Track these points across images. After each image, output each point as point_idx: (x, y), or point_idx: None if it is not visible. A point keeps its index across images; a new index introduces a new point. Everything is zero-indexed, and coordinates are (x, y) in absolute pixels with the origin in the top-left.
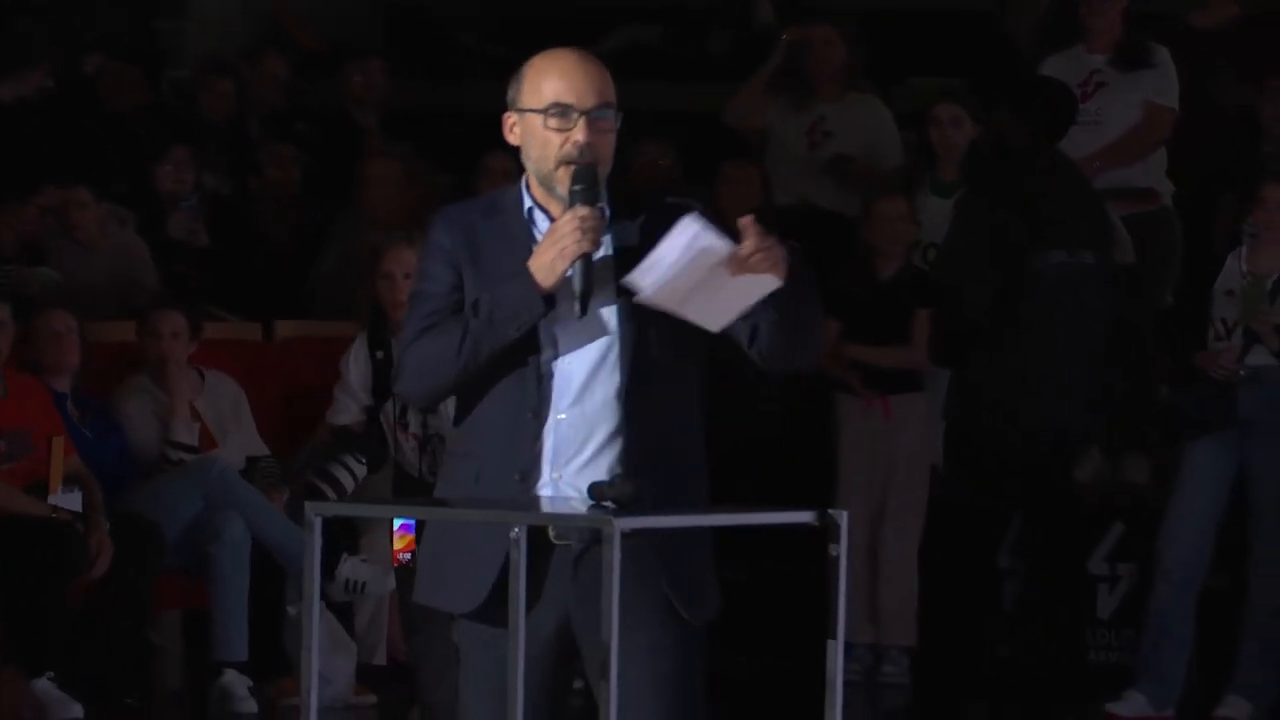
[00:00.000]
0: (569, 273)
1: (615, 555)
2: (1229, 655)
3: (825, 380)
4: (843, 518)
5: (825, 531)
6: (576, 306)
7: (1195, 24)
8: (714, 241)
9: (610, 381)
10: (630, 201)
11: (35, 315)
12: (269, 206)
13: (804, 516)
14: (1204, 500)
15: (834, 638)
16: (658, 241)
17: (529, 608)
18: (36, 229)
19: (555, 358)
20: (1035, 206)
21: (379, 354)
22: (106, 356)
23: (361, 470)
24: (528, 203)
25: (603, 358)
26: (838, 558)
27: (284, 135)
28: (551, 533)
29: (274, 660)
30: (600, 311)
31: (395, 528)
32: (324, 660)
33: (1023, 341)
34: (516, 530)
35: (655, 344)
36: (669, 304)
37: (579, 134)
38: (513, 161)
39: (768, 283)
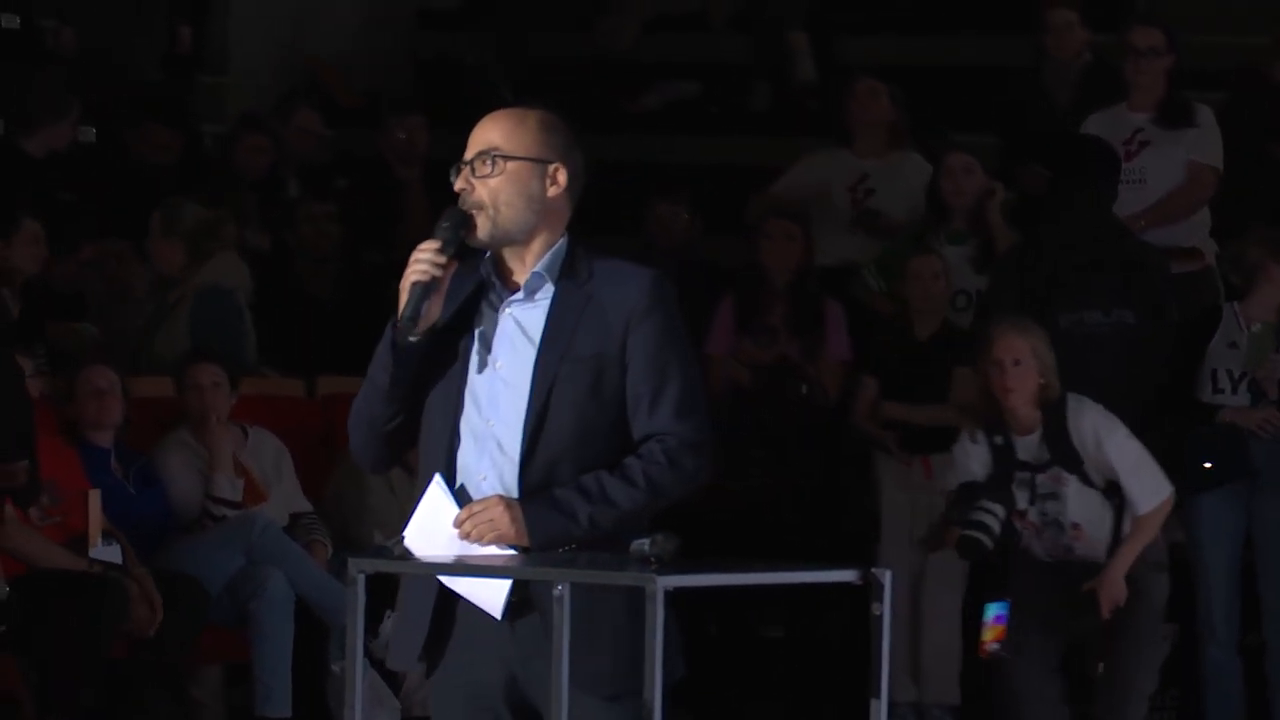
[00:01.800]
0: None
1: (659, 614)
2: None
3: (865, 439)
4: (886, 576)
5: (868, 590)
6: (404, 331)
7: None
8: (449, 506)
9: (513, 440)
10: (586, 261)
11: (77, 372)
12: (309, 262)
13: (847, 575)
14: (1225, 554)
15: (877, 696)
16: (601, 301)
17: (466, 658)
18: (77, 283)
19: (469, 408)
20: (1069, 265)
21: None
22: (148, 411)
23: (1001, 510)
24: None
25: (514, 416)
26: (881, 616)
27: (323, 190)
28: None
29: (317, 717)
30: (515, 369)
31: (988, 618)
32: (367, 717)
33: None
34: (560, 588)
35: (566, 406)
36: (423, 551)
37: (458, 182)
38: None
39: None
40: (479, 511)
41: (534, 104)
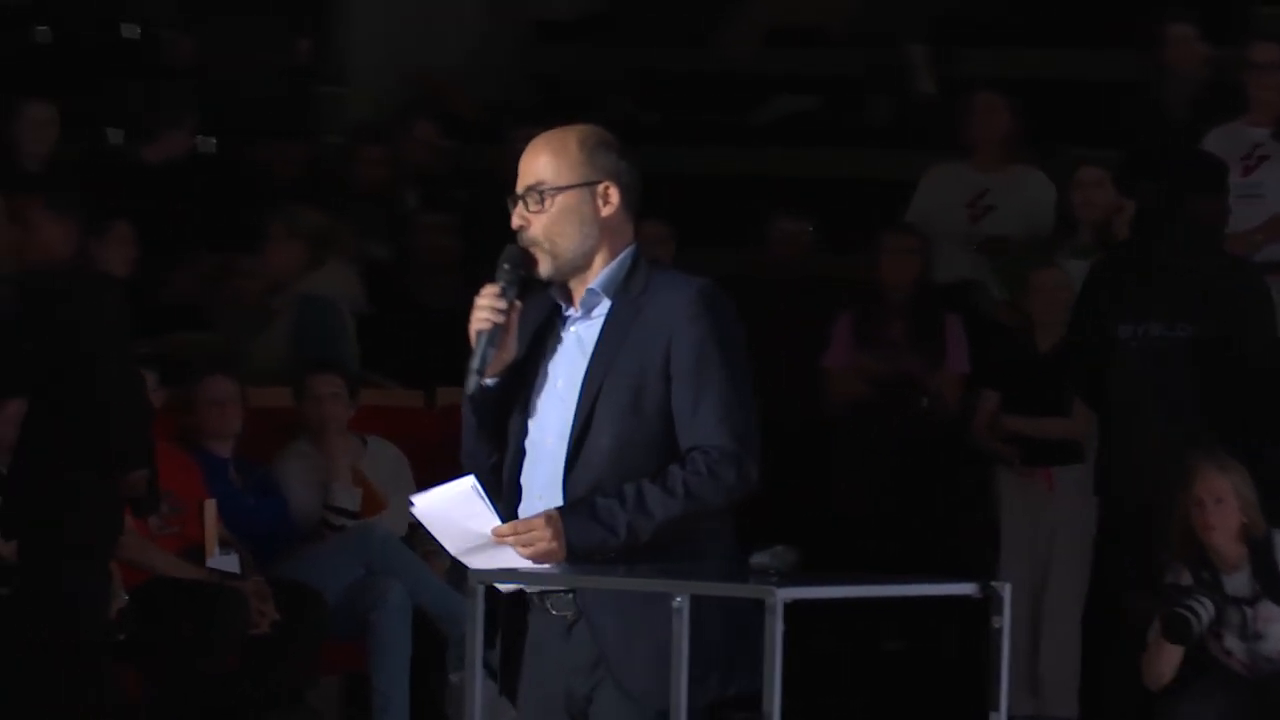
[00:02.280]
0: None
1: (778, 626)
2: None
3: (986, 452)
4: (1005, 589)
5: (988, 603)
6: (472, 380)
7: None
8: (483, 509)
9: (561, 453)
10: (645, 274)
11: (197, 382)
12: (427, 273)
13: (967, 588)
14: None
15: (996, 709)
16: (648, 314)
17: (523, 670)
18: (194, 293)
19: (531, 427)
20: (1137, 278)
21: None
22: (267, 422)
23: (1212, 607)
24: None
25: (563, 430)
26: (1000, 629)
27: (441, 202)
28: (549, 604)
29: None
30: (569, 385)
31: None
32: None
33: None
34: (679, 599)
35: (608, 420)
36: (430, 526)
37: (514, 218)
38: (667, 228)
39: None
40: (523, 532)
41: (651, 118)
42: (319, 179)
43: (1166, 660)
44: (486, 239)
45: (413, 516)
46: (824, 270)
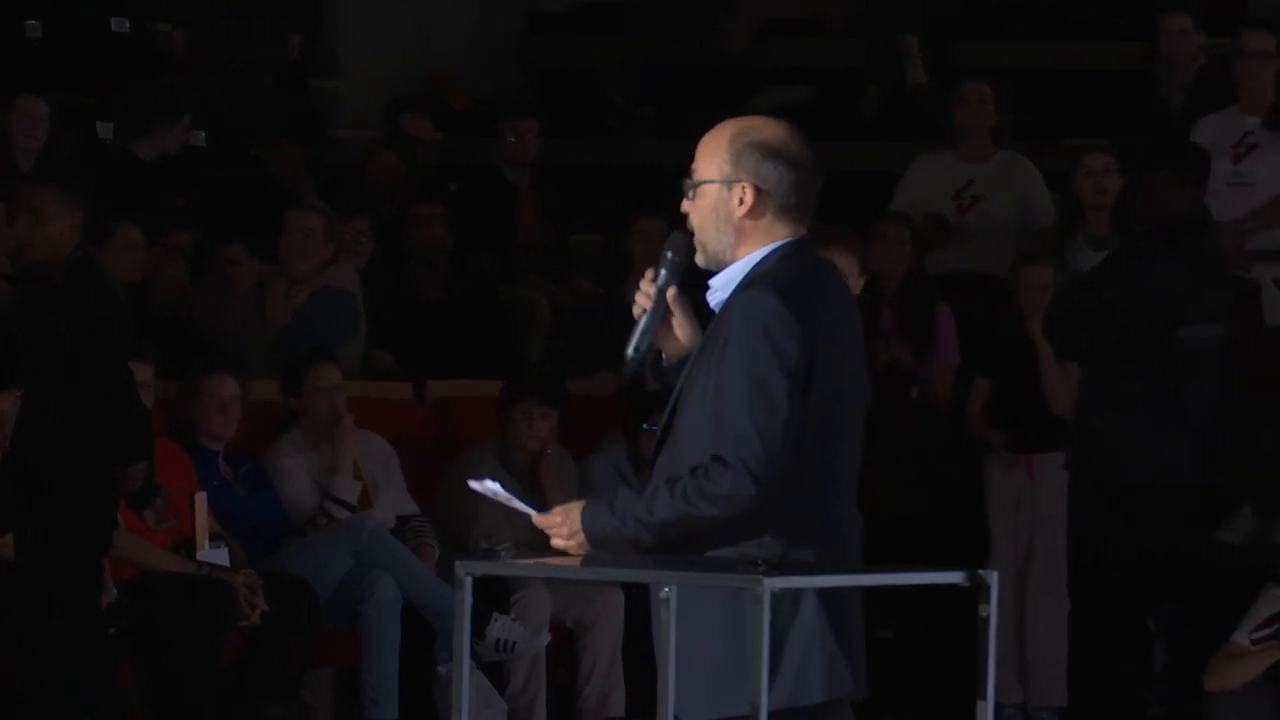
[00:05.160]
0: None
1: (765, 616)
2: None
3: (975, 440)
4: (993, 578)
5: (975, 592)
6: (629, 365)
7: None
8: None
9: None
10: (766, 276)
11: (201, 379)
12: (418, 265)
13: (954, 577)
14: None
15: (983, 698)
16: (720, 320)
17: None
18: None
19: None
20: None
21: None
22: (257, 415)
23: None
24: None
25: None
26: (988, 618)
27: (434, 194)
28: None
29: (425, 719)
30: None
31: None
32: (474, 719)
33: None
34: (666, 589)
35: (682, 419)
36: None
37: (684, 204)
38: (664, 224)
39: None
40: (549, 522)
41: (648, 110)
42: (316, 174)
43: (1252, 668)
44: (477, 230)
45: (407, 509)
46: None
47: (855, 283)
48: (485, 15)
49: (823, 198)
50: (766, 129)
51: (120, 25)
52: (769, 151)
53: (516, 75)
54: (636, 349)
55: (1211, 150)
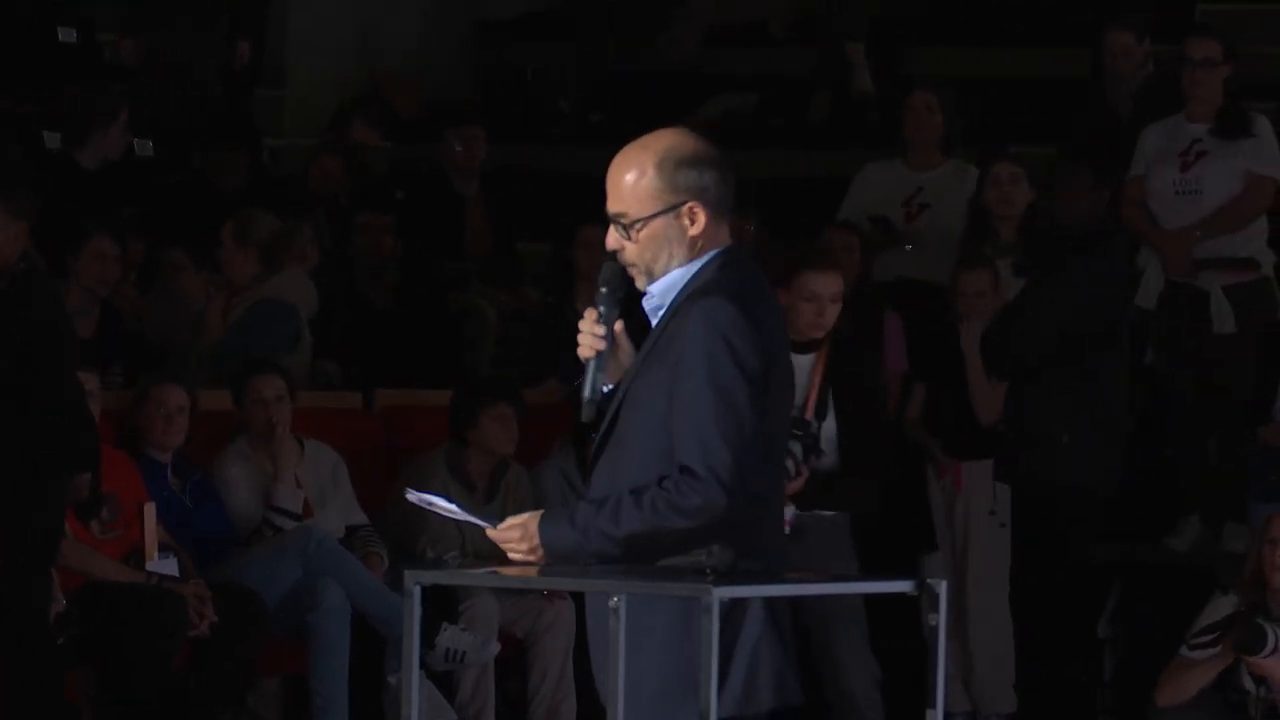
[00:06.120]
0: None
1: (714, 625)
2: None
3: (918, 447)
4: (941, 587)
5: (922, 600)
6: (587, 409)
7: None
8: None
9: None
10: (708, 284)
11: (150, 388)
12: (366, 274)
13: (902, 586)
14: None
15: (933, 707)
16: (671, 331)
17: None
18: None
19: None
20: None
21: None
22: (205, 424)
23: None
24: None
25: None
26: (936, 627)
27: (382, 203)
28: None
29: None
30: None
31: None
32: None
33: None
34: (616, 599)
35: (630, 428)
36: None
37: (609, 240)
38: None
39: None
40: (504, 535)
41: (595, 117)
42: (262, 182)
43: (1200, 678)
44: (425, 238)
45: (355, 519)
46: (764, 268)
47: (838, 304)
48: (433, 22)
49: (771, 205)
50: (680, 143)
51: (68, 35)
52: (696, 162)
53: (465, 82)
54: (594, 390)
55: (1159, 158)
